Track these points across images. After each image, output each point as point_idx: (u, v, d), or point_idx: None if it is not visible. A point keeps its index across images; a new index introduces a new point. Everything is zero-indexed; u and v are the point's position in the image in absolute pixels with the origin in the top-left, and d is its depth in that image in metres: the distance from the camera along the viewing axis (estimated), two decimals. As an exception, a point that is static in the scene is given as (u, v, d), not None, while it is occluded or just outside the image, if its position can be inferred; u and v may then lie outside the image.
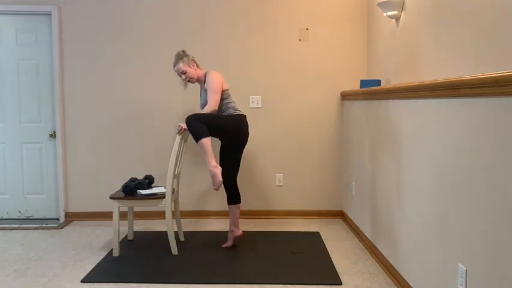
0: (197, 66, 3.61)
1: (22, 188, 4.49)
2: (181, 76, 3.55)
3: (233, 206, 3.57)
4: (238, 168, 3.61)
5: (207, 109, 3.41)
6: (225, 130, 3.46)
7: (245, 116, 3.58)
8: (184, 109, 4.34)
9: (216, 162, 3.35)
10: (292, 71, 4.42)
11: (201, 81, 3.59)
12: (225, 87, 3.52)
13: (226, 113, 3.50)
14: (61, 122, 4.38)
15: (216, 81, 3.45)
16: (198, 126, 3.30)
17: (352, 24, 4.38)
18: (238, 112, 3.54)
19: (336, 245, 3.69)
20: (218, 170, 3.30)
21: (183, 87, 3.72)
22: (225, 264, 3.24)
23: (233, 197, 3.56)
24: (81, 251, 3.59)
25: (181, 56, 3.55)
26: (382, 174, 3.20)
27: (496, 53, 1.96)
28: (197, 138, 3.31)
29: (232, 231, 3.59)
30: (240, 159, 3.60)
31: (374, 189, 3.42)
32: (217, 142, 3.61)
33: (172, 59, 3.60)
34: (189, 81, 3.57)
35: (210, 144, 3.33)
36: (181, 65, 3.51)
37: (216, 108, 3.44)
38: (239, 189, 3.64)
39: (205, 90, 3.51)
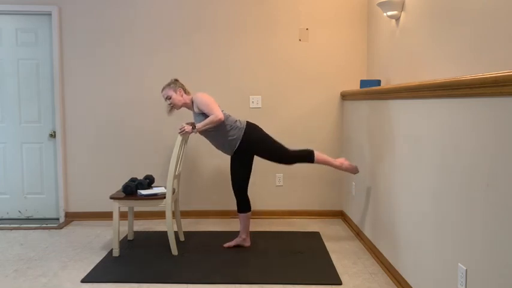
0: (185, 92, 3.54)
1: (22, 188, 4.49)
2: (166, 101, 3.54)
3: (242, 215, 3.56)
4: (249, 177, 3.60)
5: (213, 119, 3.33)
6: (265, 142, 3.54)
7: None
8: (185, 109, 4.34)
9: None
10: (292, 71, 4.42)
11: (189, 106, 3.54)
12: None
13: (234, 128, 3.43)
14: (61, 122, 4.38)
15: (205, 98, 3.40)
16: (298, 155, 3.54)
17: (352, 24, 4.38)
18: (243, 121, 3.50)
19: (336, 245, 3.69)
20: (345, 161, 3.58)
21: (167, 113, 3.66)
22: (225, 264, 3.24)
23: (242, 205, 3.54)
24: (81, 251, 3.59)
25: (170, 82, 3.55)
26: (382, 174, 3.20)
27: (496, 53, 1.96)
28: (310, 160, 3.52)
29: (244, 239, 3.59)
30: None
31: (374, 189, 3.42)
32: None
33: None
34: (173, 107, 3.53)
35: (321, 154, 3.56)
36: (167, 90, 3.52)
37: (223, 116, 3.35)
38: (249, 197, 3.61)
39: (197, 114, 3.45)
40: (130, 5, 4.36)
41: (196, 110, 3.46)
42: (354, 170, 3.61)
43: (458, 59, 2.30)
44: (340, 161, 3.59)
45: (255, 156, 3.56)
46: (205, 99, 3.41)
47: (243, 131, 3.44)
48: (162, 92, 3.56)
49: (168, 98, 3.52)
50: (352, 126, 4.10)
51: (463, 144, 2.00)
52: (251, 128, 3.50)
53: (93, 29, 4.36)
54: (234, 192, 3.55)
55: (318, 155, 3.52)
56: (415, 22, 2.93)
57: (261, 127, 3.61)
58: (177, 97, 3.51)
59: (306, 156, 3.52)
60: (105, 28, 4.37)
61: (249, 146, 3.47)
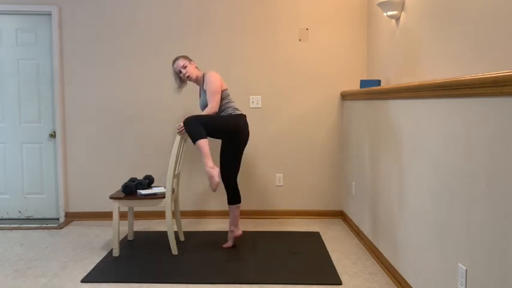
0: (196, 66, 3.64)
1: (22, 188, 4.49)
2: (180, 72, 3.54)
3: (233, 206, 3.57)
4: (239, 168, 3.61)
5: (208, 111, 3.42)
6: (225, 130, 3.46)
7: (245, 115, 3.58)
8: (184, 109, 4.34)
9: (215, 163, 3.35)
10: (292, 71, 4.42)
11: (200, 81, 3.60)
12: (224, 87, 3.54)
13: (226, 113, 3.51)
14: (61, 122, 4.38)
15: (215, 82, 3.46)
16: (196, 127, 3.31)
17: (352, 24, 4.38)
18: (237, 112, 3.54)
19: (336, 245, 3.69)
20: (215, 171, 3.28)
21: (176, 90, 3.69)
22: (225, 264, 3.24)
23: (233, 197, 3.56)
24: (81, 251, 3.59)
25: (182, 55, 3.63)
26: (382, 174, 3.20)
27: (496, 53, 1.96)
28: (194, 139, 3.32)
29: (232, 231, 3.59)
30: (241, 159, 3.60)
31: (374, 189, 3.42)
32: (218, 142, 3.62)
33: (173, 58, 3.62)
34: (187, 77, 3.55)
35: (207, 146, 3.31)
36: (181, 60, 3.55)
37: (217, 109, 3.45)
38: (239, 189, 3.64)
39: (205, 91, 3.52)
40: (130, 5, 4.36)
41: (205, 87, 3.51)
42: (212, 184, 3.28)
43: (458, 59, 2.30)
44: (212, 165, 3.28)
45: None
46: (213, 81, 3.46)
47: (227, 116, 3.50)
48: (174, 64, 3.58)
49: (184, 67, 3.53)
50: (352, 126, 4.10)
51: (463, 144, 2.00)
52: (234, 118, 3.50)
53: (93, 29, 4.36)
54: (223, 182, 3.55)
55: (203, 142, 3.28)
56: (415, 22, 2.93)
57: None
58: (192, 67, 3.56)
59: (198, 133, 3.28)
60: (105, 28, 4.37)
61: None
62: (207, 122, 3.36)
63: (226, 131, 3.46)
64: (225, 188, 3.57)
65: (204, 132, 3.32)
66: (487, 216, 1.80)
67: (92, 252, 3.55)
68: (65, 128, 4.42)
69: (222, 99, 3.50)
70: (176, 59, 3.58)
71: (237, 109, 3.56)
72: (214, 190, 3.33)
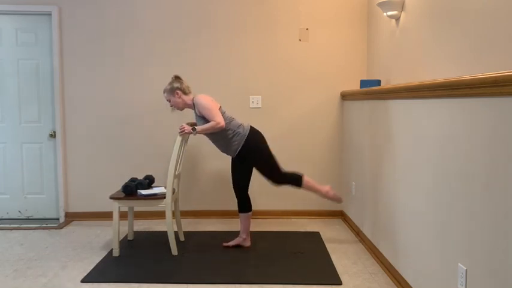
0: (184, 93, 3.50)
1: (22, 188, 4.49)
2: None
3: (243, 215, 3.56)
4: (250, 177, 3.60)
5: (214, 125, 3.32)
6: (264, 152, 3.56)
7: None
8: (185, 109, 4.34)
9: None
10: (292, 71, 4.42)
11: (191, 106, 3.53)
12: (218, 106, 3.46)
13: (236, 132, 3.42)
14: (61, 122, 4.38)
15: (207, 102, 3.39)
16: (288, 176, 3.56)
17: (352, 24, 4.38)
18: (246, 126, 3.49)
19: (336, 245, 3.69)
20: (330, 190, 3.64)
21: (171, 111, 3.76)
22: (225, 264, 3.24)
23: (242, 205, 3.54)
24: (81, 251, 3.59)
25: (170, 83, 3.53)
26: (382, 174, 3.20)
27: (496, 53, 1.96)
28: (299, 185, 3.56)
29: (244, 239, 3.58)
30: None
31: (374, 189, 3.42)
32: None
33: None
34: (177, 108, 3.57)
35: (310, 179, 3.60)
36: (166, 94, 3.54)
37: (224, 125, 3.34)
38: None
39: (199, 117, 3.43)
40: (130, 5, 4.36)
41: (198, 112, 3.45)
42: (338, 200, 3.72)
43: (458, 59, 2.30)
44: (326, 188, 3.64)
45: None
46: (206, 103, 3.39)
47: (244, 138, 3.43)
48: (163, 93, 3.58)
49: (168, 100, 3.56)
50: (352, 126, 4.10)
51: (463, 144, 2.00)
52: (253, 136, 3.48)
53: (93, 29, 4.36)
54: (235, 192, 3.56)
55: (306, 181, 3.56)
56: (415, 22, 2.93)
57: (262, 131, 3.60)
58: (176, 100, 3.51)
59: (296, 180, 3.55)
60: (105, 28, 4.37)
61: (247, 153, 3.46)
62: (270, 163, 3.52)
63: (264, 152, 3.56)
64: (236, 196, 3.55)
65: (297, 174, 3.58)
66: (487, 216, 1.80)
67: (92, 252, 3.55)
68: (65, 128, 4.42)
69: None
70: (164, 90, 3.55)
71: (242, 123, 3.49)
72: (341, 201, 3.79)
